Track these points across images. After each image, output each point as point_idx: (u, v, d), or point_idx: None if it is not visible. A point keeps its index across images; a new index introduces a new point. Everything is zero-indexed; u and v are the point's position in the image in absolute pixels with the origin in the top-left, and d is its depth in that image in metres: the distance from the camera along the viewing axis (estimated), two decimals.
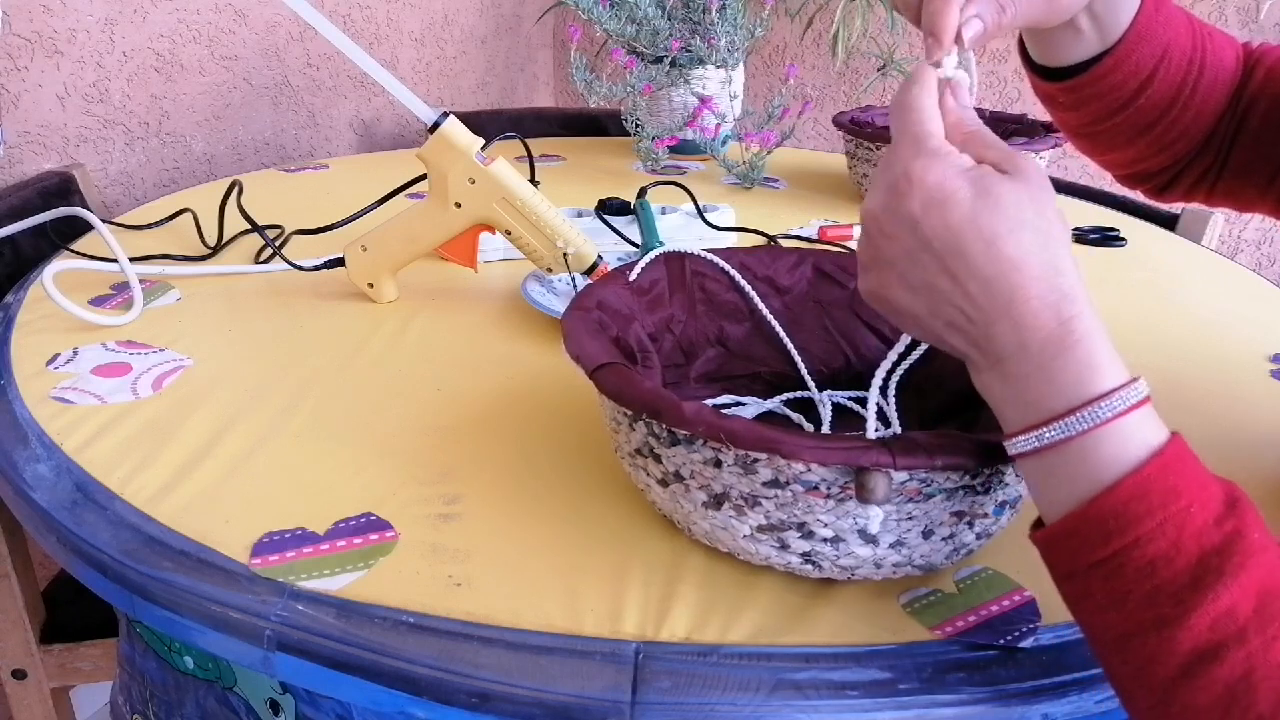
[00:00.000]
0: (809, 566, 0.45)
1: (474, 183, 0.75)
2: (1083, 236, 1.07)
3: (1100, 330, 0.36)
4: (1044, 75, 0.56)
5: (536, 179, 0.98)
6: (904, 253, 0.38)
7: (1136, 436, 0.35)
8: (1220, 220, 1.15)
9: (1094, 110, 0.56)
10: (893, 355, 0.45)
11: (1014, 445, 0.38)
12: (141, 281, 0.80)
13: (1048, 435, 0.36)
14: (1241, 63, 0.56)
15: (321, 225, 0.91)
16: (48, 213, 0.88)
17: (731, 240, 0.98)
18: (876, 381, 0.45)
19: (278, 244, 0.91)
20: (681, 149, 1.37)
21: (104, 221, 0.93)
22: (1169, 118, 0.55)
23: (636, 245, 0.91)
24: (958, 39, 0.41)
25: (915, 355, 0.61)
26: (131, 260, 0.82)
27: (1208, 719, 0.33)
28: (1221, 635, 0.33)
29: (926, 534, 0.44)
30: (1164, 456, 0.35)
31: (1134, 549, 0.34)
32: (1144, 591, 0.34)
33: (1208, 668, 0.33)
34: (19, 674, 0.92)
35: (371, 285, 0.81)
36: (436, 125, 0.74)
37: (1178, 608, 0.34)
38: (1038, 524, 0.39)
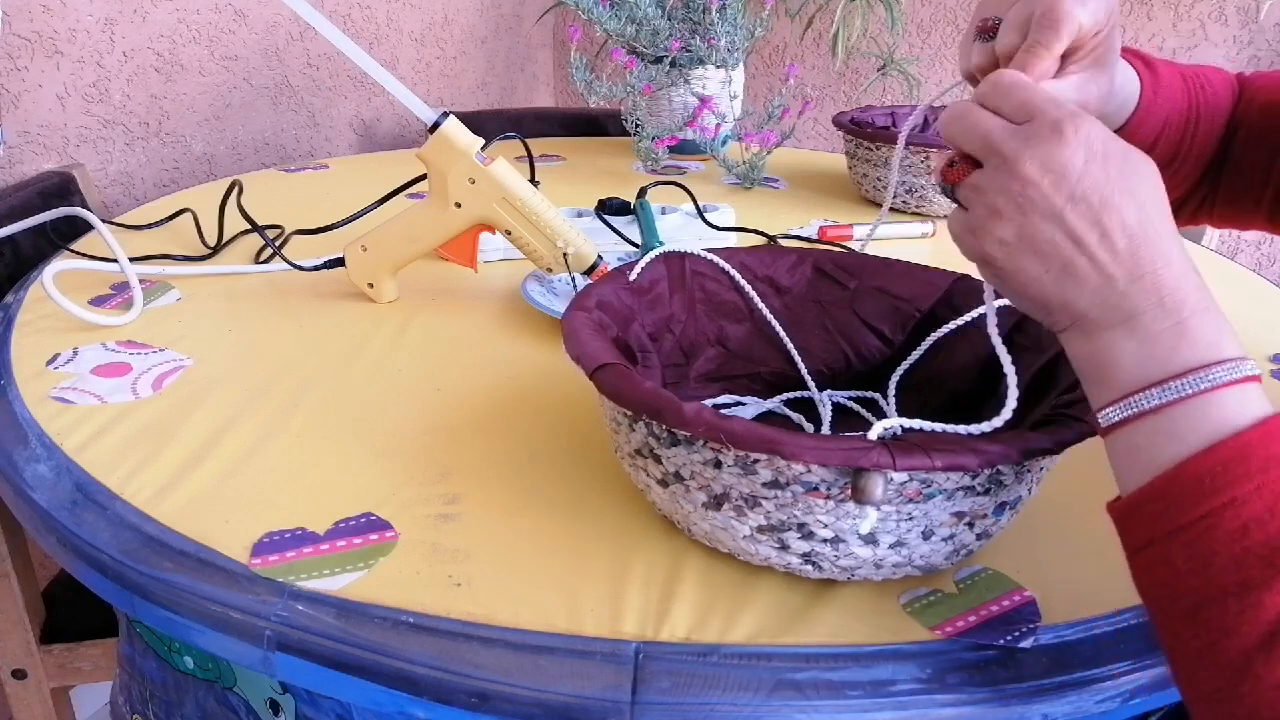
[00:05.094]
0: (809, 567, 0.45)
1: (474, 183, 0.75)
2: None
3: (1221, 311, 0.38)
4: None
5: (536, 179, 0.98)
6: (1055, 208, 0.38)
7: (1251, 404, 0.35)
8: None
9: None
10: (912, 357, 0.45)
11: (1123, 408, 0.37)
12: (141, 281, 0.80)
13: (1175, 389, 0.36)
14: (1235, 96, 0.60)
15: (321, 225, 0.91)
16: (48, 213, 0.88)
17: (731, 240, 0.98)
18: (894, 379, 0.45)
19: (278, 244, 0.91)
20: (681, 149, 1.37)
21: (104, 221, 0.93)
22: (1171, 169, 0.59)
23: (636, 245, 0.91)
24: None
25: (915, 355, 0.61)
26: (131, 260, 0.82)
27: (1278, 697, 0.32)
28: None
29: (926, 535, 0.44)
30: (1268, 426, 0.35)
31: (1227, 510, 0.33)
32: (1232, 555, 0.33)
33: None
34: (19, 674, 0.92)
35: (371, 285, 0.81)
36: (436, 125, 0.74)
37: (1266, 570, 0.32)
38: (1116, 499, 0.38)
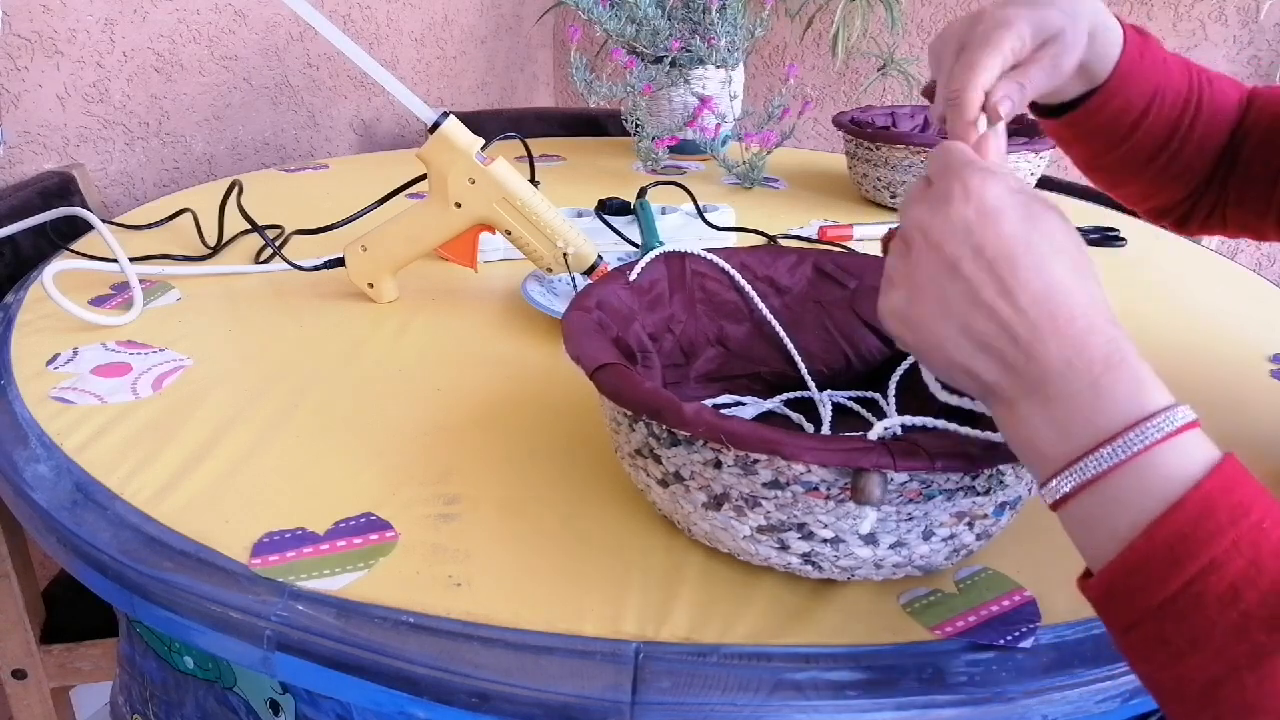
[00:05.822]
0: (809, 567, 0.45)
1: (474, 183, 0.75)
2: (1083, 236, 1.07)
3: (1140, 358, 0.35)
4: (1046, 114, 0.61)
5: (536, 179, 0.98)
6: (947, 265, 0.37)
7: (1196, 452, 0.33)
8: None
9: (1097, 143, 0.60)
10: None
11: (1062, 482, 0.35)
12: (141, 281, 0.80)
13: (1107, 456, 0.33)
14: (1244, 105, 0.60)
15: (321, 225, 0.91)
16: (48, 213, 0.88)
17: (731, 240, 0.98)
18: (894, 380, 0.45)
19: (278, 244, 0.91)
20: (681, 149, 1.37)
21: (104, 221, 0.93)
22: (1169, 150, 0.59)
23: (636, 245, 0.91)
24: (993, 114, 0.46)
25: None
26: (131, 260, 0.82)
27: None
28: None
29: (926, 535, 0.44)
30: (1223, 472, 0.32)
31: (1210, 574, 0.31)
32: (1230, 623, 0.30)
33: None
34: (19, 674, 0.92)
35: (371, 285, 0.81)
36: (436, 125, 0.74)
37: (1276, 634, 0.30)
38: (1086, 574, 0.36)
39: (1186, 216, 0.64)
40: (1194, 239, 1.13)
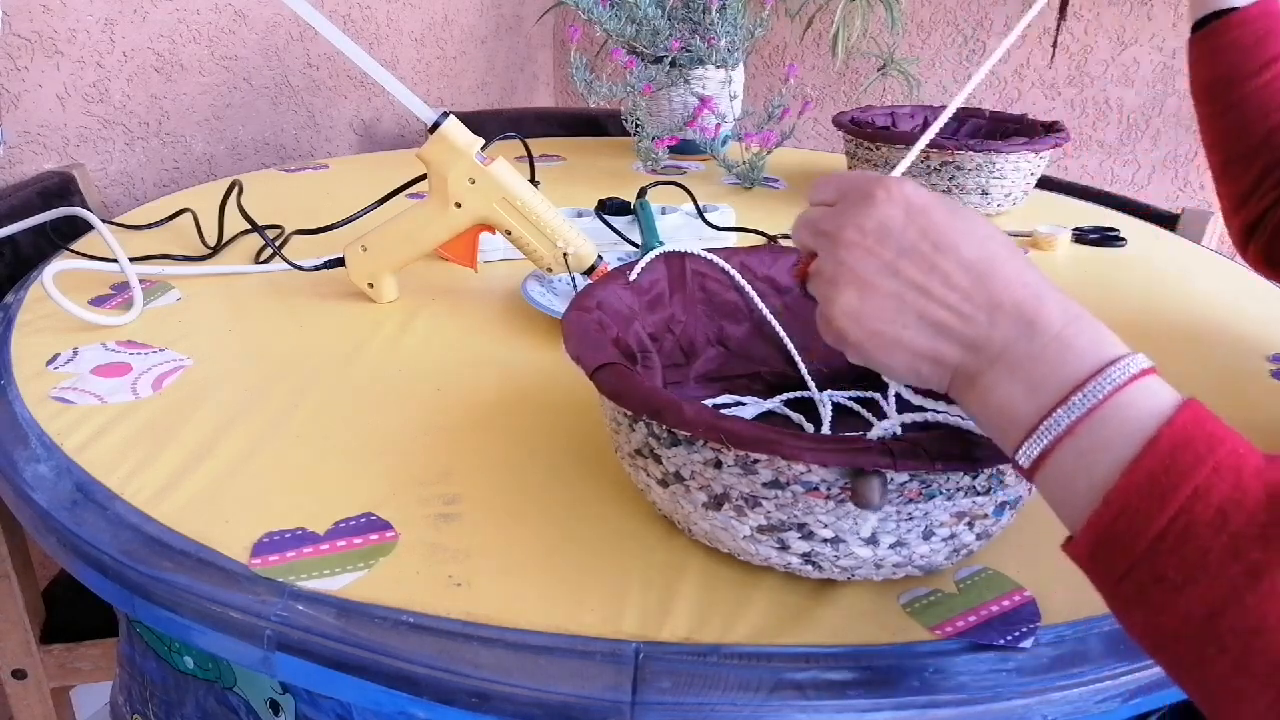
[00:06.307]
0: (809, 567, 0.45)
1: (474, 183, 0.75)
2: (1083, 236, 1.07)
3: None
4: (1199, 27, 0.72)
5: (536, 179, 0.98)
6: (889, 261, 0.38)
7: (1162, 391, 0.34)
8: (1220, 220, 1.15)
9: (1229, 62, 0.69)
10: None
11: (1036, 441, 0.35)
12: (141, 281, 0.80)
13: (1079, 404, 0.34)
14: None
15: (321, 225, 0.91)
16: (48, 213, 0.88)
17: (731, 240, 0.98)
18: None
19: (278, 244, 0.91)
20: (681, 149, 1.37)
21: (104, 221, 0.93)
22: None
23: (636, 245, 0.91)
24: None
25: None
26: (131, 260, 0.82)
27: None
28: None
29: (927, 534, 0.44)
30: (1191, 409, 0.33)
31: (1197, 501, 0.31)
32: (1223, 546, 0.30)
33: None
34: (19, 674, 0.92)
35: (371, 285, 0.81)
36: (436, 125, 0.74)
37: (1268, 549, 0.30)
38: (1068, 540, 0.35)
39: (1256, 224, 0.70)
40: (1194, 237, 1.13)
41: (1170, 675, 0.33)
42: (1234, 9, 0.69)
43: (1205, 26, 0.71)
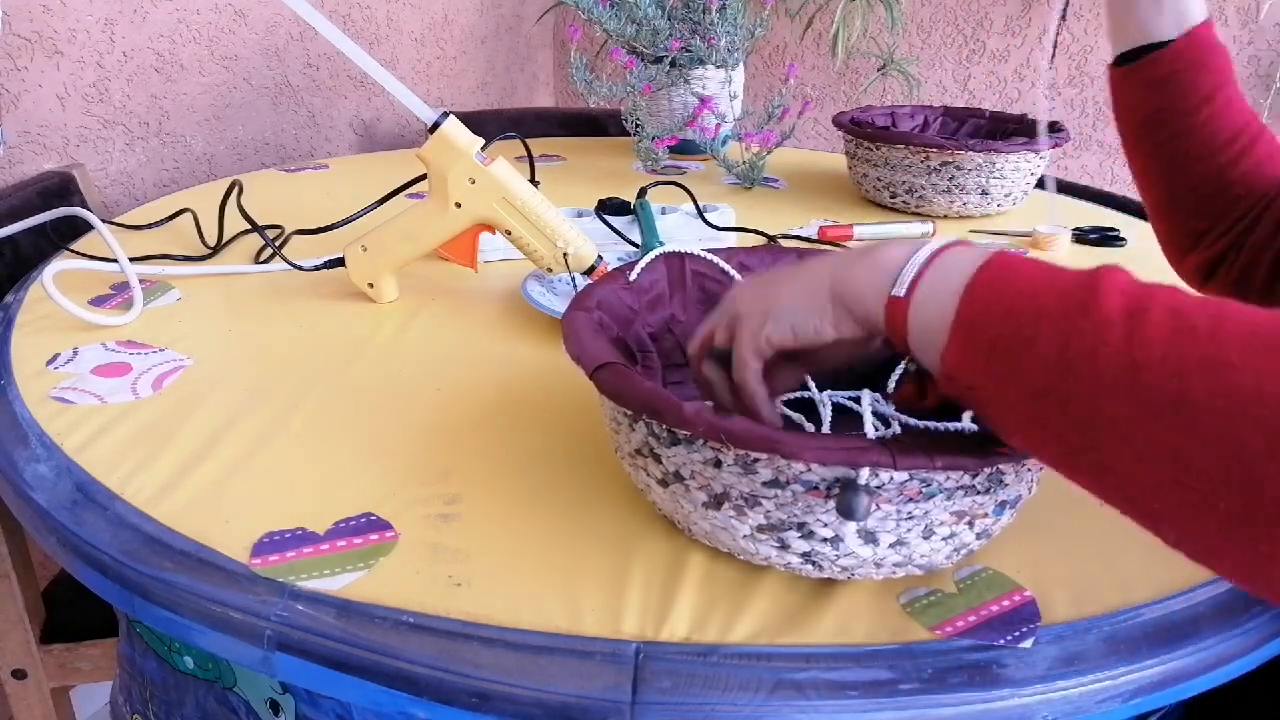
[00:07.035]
0: (809, 566, 0.45)
1: (474, 183, 0.75)
2: (1083, 236, 1.07)
3: None
4: (1124, 61, 0.65)
5: (536, 179, 0.98)
6: (762, 285, 0.47)
7: (979, 245, 0.40)
8: None
9: (1166, 97, 0.63)
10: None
11: (904, 274, 0.40)
12: (141, 281, 0.80)
13: (921, 258, 0.40)
14: None
15: (321, 225, 0.91)
16: (48, 213, 0.88)
17: (731, 240, 0.98)
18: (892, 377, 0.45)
19: (278, 244, 0.91)
20: (681, 149, 1.37)
21: (104, 221, 0.93)
22: (1229, 153, 0.62)
23: (636, 245, 0.91)
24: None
25: None
26: (131, 260, 0.82)
27: (1161, 367, 0.31)
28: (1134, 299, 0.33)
29: (927, 534, 0.44)
30: (1007, 252, 0.39)
31: (1038, 274, 0.36)
32: (1058, 292, 0.35)
33: (1139, 323, 0.32)
34: (19, 674, 0.92)
35: (371, 285, 0.81)
36: (436, 125, 0.74)
37: (1085, 295, 0.34)
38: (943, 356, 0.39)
39: (1218, 262, 0.66)
40: None
41: (1051, 453, 0.36)
42: (1163, 43, 0.63)
43: (1133, 61, 0.65)
